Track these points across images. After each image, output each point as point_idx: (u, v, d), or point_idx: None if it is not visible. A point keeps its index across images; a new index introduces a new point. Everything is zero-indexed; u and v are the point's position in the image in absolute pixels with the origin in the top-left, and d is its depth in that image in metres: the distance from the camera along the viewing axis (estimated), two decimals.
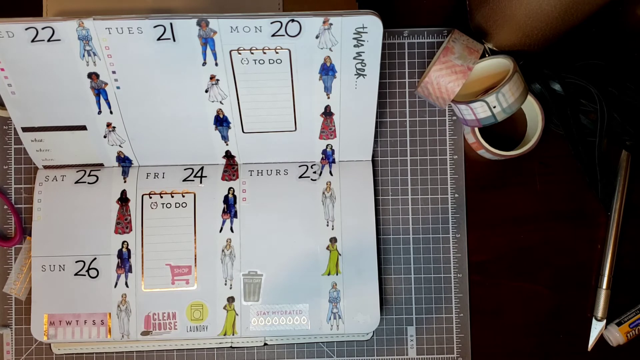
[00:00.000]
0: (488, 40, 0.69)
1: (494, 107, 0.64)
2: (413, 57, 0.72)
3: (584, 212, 0.72)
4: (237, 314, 0.68)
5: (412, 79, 0.72)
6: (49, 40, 0.60)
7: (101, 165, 0.70)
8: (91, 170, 0.70)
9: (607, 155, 0.72)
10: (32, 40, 0.60)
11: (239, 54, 0.61)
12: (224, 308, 0.68)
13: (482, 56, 0.67)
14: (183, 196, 0.69)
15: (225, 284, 0.68)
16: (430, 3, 0.73)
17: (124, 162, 0.70)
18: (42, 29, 0.59)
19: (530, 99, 0.67)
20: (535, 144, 0.67)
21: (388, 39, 0.72)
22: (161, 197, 0.69)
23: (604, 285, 0.70)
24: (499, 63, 0.67)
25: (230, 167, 0.70)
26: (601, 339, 0.71)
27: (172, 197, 0.69)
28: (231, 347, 0.70)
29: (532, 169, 0.72)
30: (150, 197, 0.69)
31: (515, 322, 0.71)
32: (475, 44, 0.66)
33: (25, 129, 0.67)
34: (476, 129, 0.68)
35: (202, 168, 0.70)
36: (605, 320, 0.70)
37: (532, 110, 0.68)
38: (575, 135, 0.69)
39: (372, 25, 0.58)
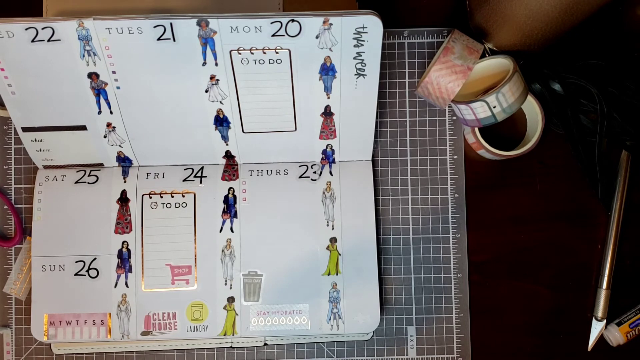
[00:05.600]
0: (488, 40, 0.69)
1: (494, 107, 0.64)
2: (413, 57, 0.72)
3: (584, 212, 0.72)
4: (237, 314, 0.68)
5: (412, 79, 0.72)
6: (49, 40, 0.60)
7: (101, 165, 0.70)
8: (91, 170, 0.70)
9: (607, 155, 0.72)
10: (32, 40, 0.60)
11: (239, 54, 0.61)
12: (224, 308, 0.68)
13: (482, 56, 0.67)
14: (183, 196, 0.69)
15: (225, 284, 0.68)
16: (430, 3, 0.73)
17: (124, 162, 0.70)
18: (42, 29, 0.59)
19: (530, 99, 0.67)
20: (535, 144, 0.67)
21: (388, 39, 0.72)
22: (161, 197, 0.69)
23: (604, 285, 0.70)
24: (499, 63, 0.67)
25: (230, 167, 0.70)
26: (601, 339, 0.71)
27: (172, 197, 0.69)
28: (231, 347, 0.70)
29: (532, 169, 0.72)
30: (150, 197, 0.69)
31: (515, 322, 0.71)
32: (475, 44, 0.66)
33: (25, 129, 0.67)
34: (476, 129, 0.68)
35: (202, 168, 0.70)
36: (605, 320, 0.70)
37: (532, 110, 0.68)
38: (575, 135, 0.69)
39: (372, 25, 0.58)
